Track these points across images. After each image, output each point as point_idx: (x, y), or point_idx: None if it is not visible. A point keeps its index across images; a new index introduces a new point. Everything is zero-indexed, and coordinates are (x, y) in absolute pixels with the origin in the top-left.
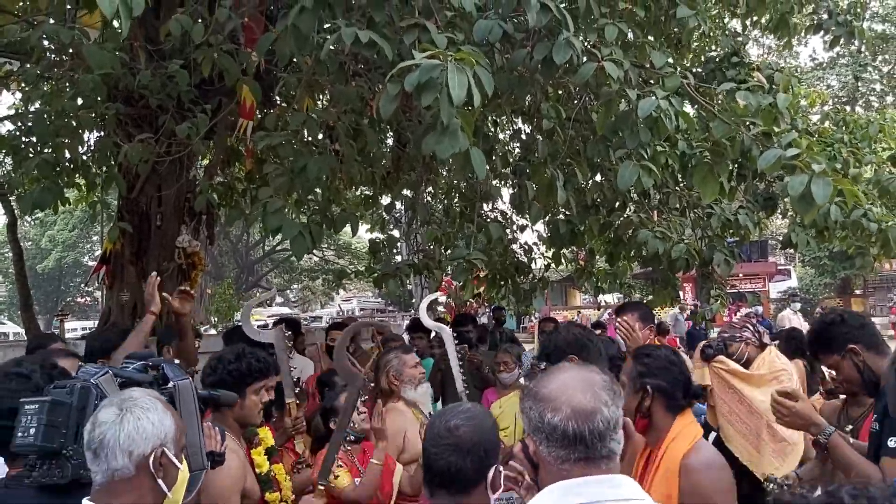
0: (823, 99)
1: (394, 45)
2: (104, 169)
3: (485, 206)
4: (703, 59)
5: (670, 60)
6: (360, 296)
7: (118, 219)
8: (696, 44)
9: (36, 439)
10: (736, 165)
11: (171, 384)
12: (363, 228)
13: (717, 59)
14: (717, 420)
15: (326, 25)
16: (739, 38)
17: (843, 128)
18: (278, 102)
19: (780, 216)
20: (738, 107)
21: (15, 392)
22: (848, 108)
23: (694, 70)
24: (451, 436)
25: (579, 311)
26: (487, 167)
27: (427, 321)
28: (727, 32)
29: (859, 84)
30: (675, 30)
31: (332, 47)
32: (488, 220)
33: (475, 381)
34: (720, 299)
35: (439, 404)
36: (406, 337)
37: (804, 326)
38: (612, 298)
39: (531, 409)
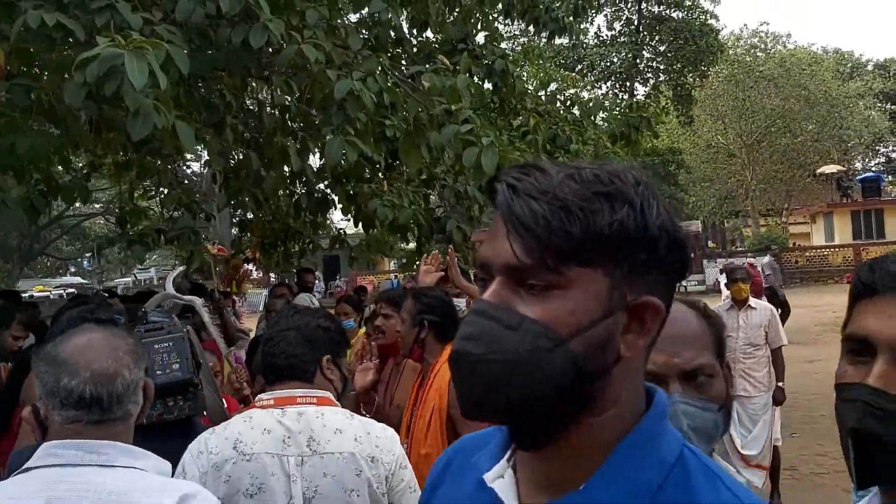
0: (572, 81)
1: (85, 23)
2: None
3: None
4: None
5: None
6: (161, 265)
7: None
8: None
9: (184, 373)
10: None
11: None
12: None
13: (452, 42)
14: None
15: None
16: (472, 22)
17: (571, 107)
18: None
19: None
20: (433, 87)
21: None
22: (627, 83)
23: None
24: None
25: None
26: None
27: (175, 294)
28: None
29: (637, 61)
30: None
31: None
32: None
33: None
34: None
35: None
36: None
37: None
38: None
39: (46, 373)
